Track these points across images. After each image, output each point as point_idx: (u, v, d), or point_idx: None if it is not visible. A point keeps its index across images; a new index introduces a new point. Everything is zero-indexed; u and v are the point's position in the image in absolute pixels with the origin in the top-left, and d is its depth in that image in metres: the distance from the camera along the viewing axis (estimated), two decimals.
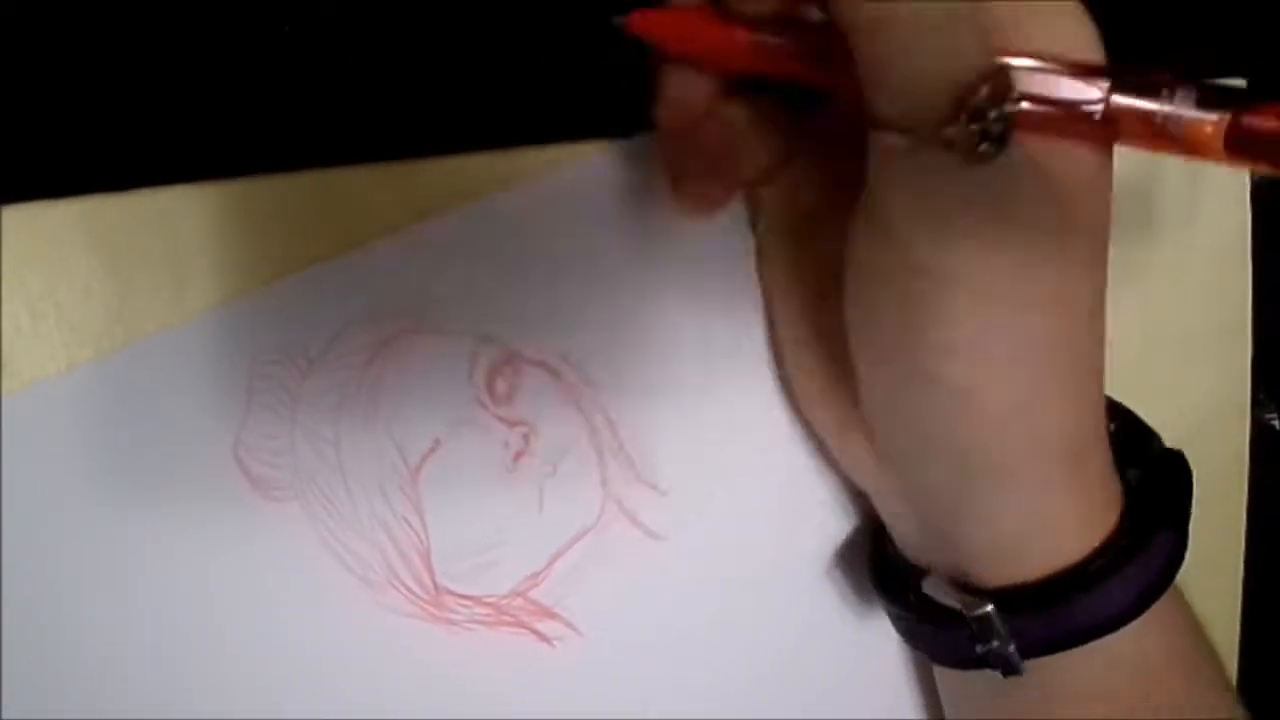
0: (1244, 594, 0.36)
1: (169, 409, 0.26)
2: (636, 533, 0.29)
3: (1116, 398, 0.30)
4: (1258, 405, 0.36)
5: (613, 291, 0.28)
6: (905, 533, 0.28)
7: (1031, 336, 0.23)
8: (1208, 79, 0.21)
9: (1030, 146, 0.21)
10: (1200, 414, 0.35)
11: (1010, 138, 0.20)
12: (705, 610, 0.30)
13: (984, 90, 0.20)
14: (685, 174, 0.27)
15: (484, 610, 0.28)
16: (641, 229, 0.28)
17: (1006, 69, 0.20)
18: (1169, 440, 0.29)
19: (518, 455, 0.28)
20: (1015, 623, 0.25)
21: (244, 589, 0.27)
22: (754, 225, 0.29)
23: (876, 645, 0.31)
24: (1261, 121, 0.20)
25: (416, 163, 0.27)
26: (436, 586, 0.28)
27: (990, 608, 0.25)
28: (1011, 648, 0.25)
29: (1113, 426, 0.27)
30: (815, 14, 0.23)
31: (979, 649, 0.26)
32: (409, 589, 0.28)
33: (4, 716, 0.26)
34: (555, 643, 0.29)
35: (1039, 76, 0.20)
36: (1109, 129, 0.21)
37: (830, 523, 0.31)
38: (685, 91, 0.25)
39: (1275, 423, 0.38)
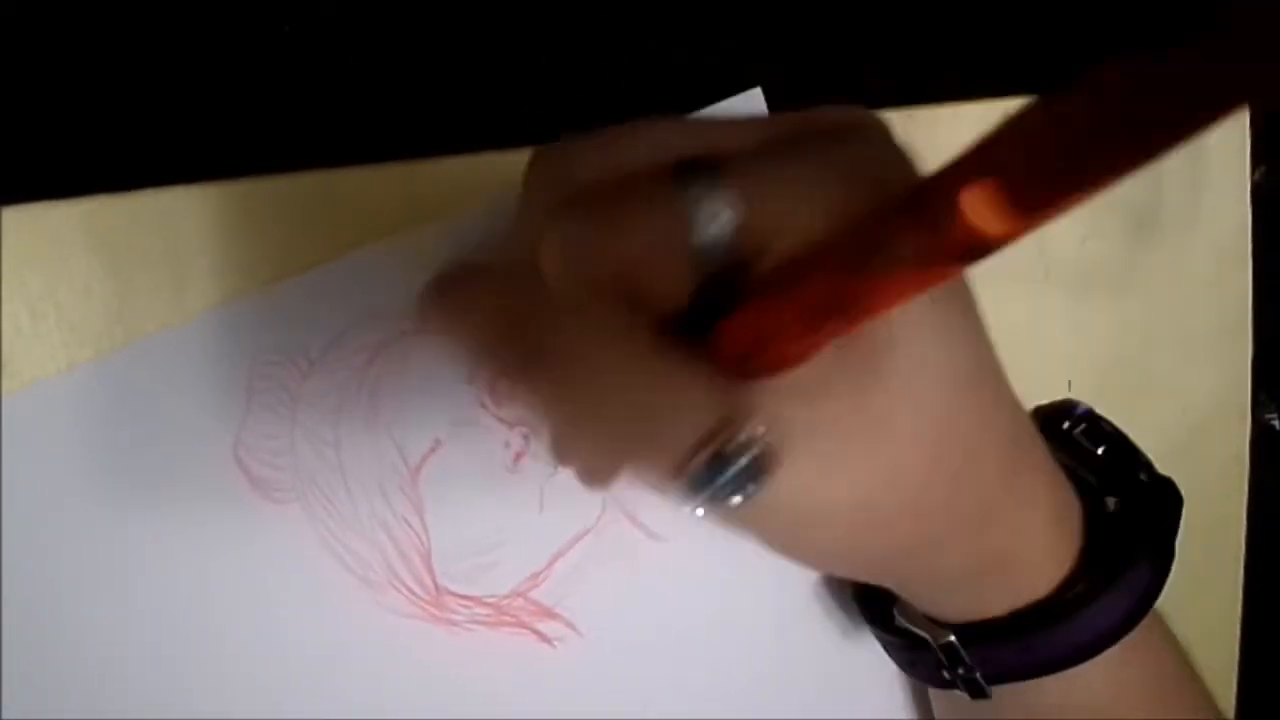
0: (1244, 594, 0.36)
1: (169, 409, 0.26)
2: (637, 533, 0.29)
3: (1117, 398, 0.30)
4: (1258, 405, 0.36)
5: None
6: None
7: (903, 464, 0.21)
8: None
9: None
10: (1200, 414, 0.35)
11: (769, 470, 0.19)
12: (705, 610, 0.30)
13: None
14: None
15: (484, 610, 0.28)
16: None
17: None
18: (1169, 441, 0.29)
19: (518, 456, 0.28)
20: (982, 651, 0.25)
21: (244, 589, 0.27)
22: None
23: (874, 646, 0.31)
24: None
25: (416, 163, 0.27)
26: (437, 587, 0.28)
27: (953, 638, 0.25)
28: (978, 674, 0.25)
29: (1100, 451, 0.27)
30: None
31: (945, 675, 0.26)
32: (409, 589, 0.28)
33: (4, 716, 0.26)
34: (556, 643, 0.29)
35: None
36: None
37: None
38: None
39: (1275, 423, 0.38)
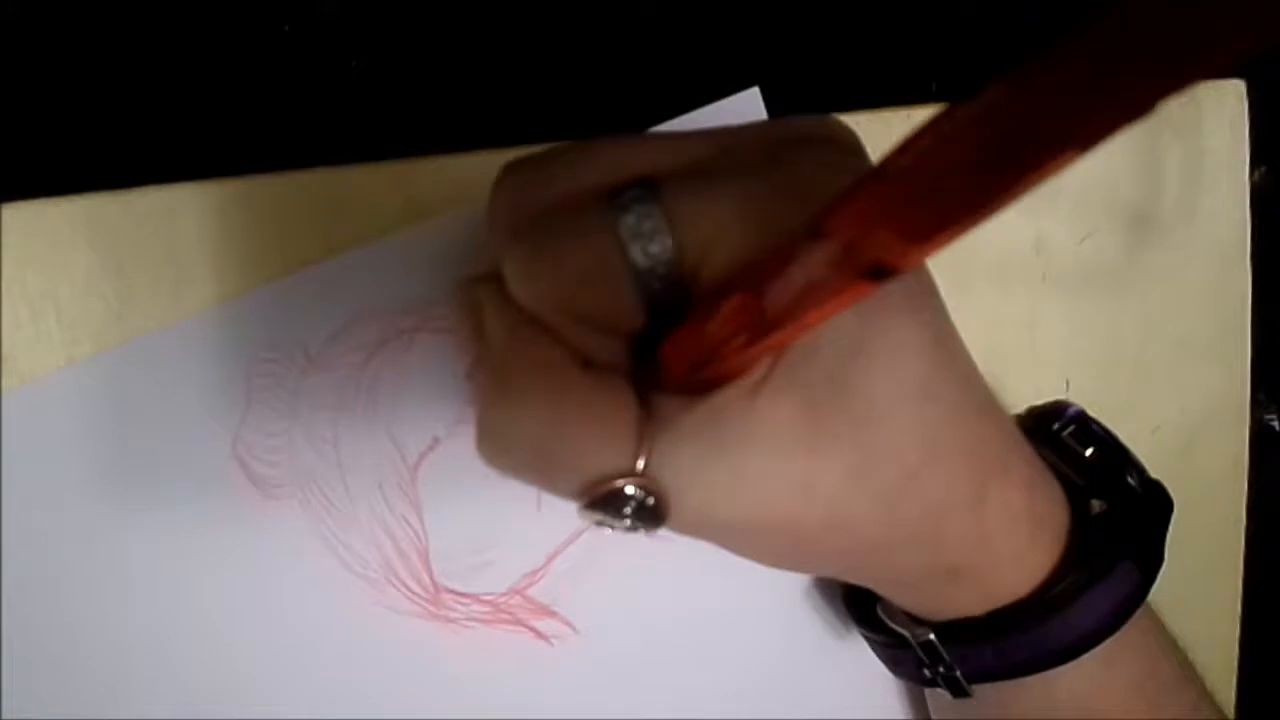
0: (1244, 594, 0.36)
1: (168, 406, 0.26)
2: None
3: (1115, 397, 0.30)
4: (1258, 405, 0.36)
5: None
6: None
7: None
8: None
9: None
10: (1200, 414, 0.35)
11: (663, 515, 0.20)
12: (702, 609, 0.30)
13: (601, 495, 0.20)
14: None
15: (482, 608, 0.28)
16: None
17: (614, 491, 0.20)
18: (1168, 440, 0.28)
19: None
20: (962, 650, 0.25)
21: (243, 586, 0.27)
22: None
23: None
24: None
25: (416, 162, 0.27)
26: (435, 584, 0.28)
27: (932, 636, 0.25)
28: (958, 673, 0.25)
29: (1090, 453, 0.27)
30: None
31: (926, 673, 0.26)
32: (408, 587, 0.28)
33: (4, 716, 0.26)
34: (553, 641, 0.29)
35: None
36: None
37: None
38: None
39: (1275, 423, 0.38)
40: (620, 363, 0.21)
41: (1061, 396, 0.29)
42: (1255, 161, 0.33)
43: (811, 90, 0.30)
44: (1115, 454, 0.27)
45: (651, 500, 0.19)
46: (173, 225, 0.26)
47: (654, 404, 0.20)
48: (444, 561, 0.28)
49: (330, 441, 0.27)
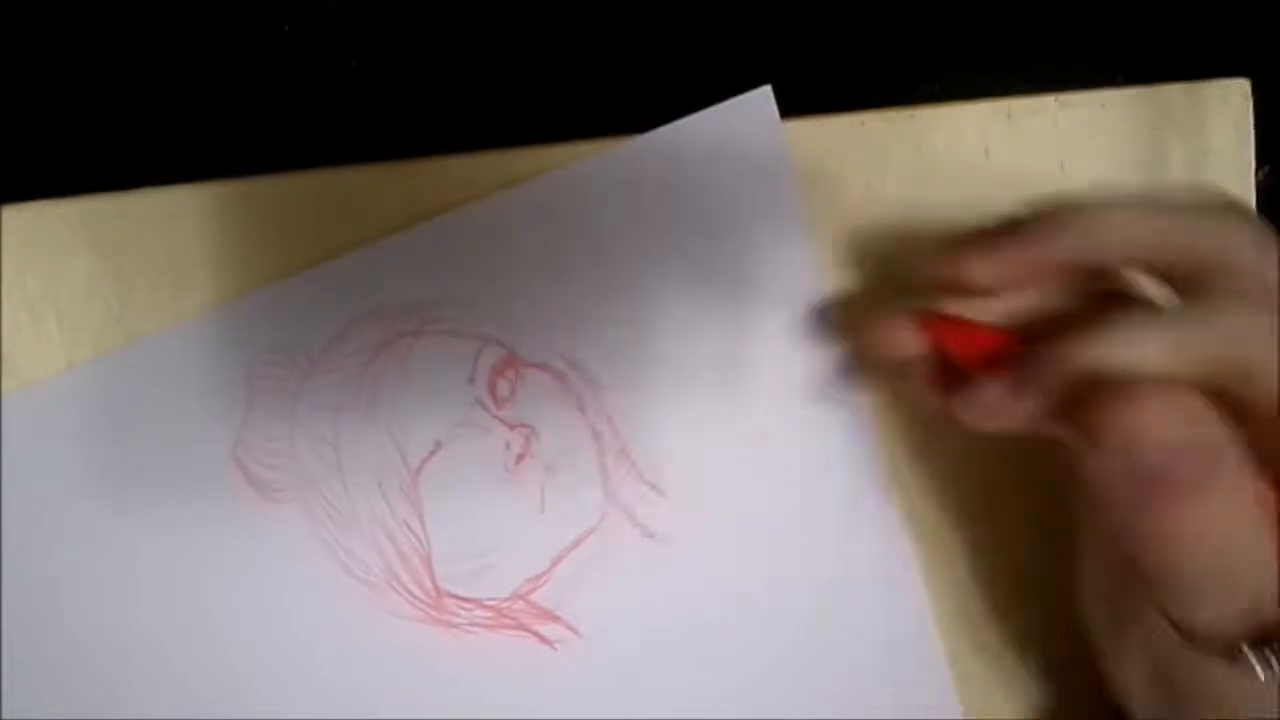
0: None
1: (168, 409, 0.26)
2: (638, 535, 0.29)
3: None
4: None
5: (614, 293, 0.28)
6: None
7: None
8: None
9: None
10: None
11: None
12: (706, 612, 0.30)
13: None
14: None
15: (485, 613, 0.28)
16: (642, 229, 0.28)
17: None
18: None
19: (519, 457, 0.28)
20: None
21: (243, 590, 0.27)
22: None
23: (874, 646, 0.31)
24: None
25: (416, 163, 0.27)
26: (437, 589, 0.28)
27: None
28: None
29: None
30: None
31: None
32: (409, 592, 0.28)
33: (4, 716, 0.26)
34: (556, 645, 0.29)
35: None
36: None
37: (831, 525, 0.31)
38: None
39: None
40: None
41: None
42: (1260, 161, 0.33)
43: (813, 90, 0.30)
44: None
45: None
46: (173, 227, 0.26)
47: None
48: (446, 566, 0.28)
49: (331, 444, 0.27)
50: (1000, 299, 0.25)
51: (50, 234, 0.26)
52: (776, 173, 0.28)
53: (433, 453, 0.27)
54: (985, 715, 0.30)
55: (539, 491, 0.28)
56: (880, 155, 0.30)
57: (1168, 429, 0.20)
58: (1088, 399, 0.21)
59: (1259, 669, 0.20)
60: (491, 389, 0.28)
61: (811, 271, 0.29)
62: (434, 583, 0.28)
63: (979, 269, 0.24)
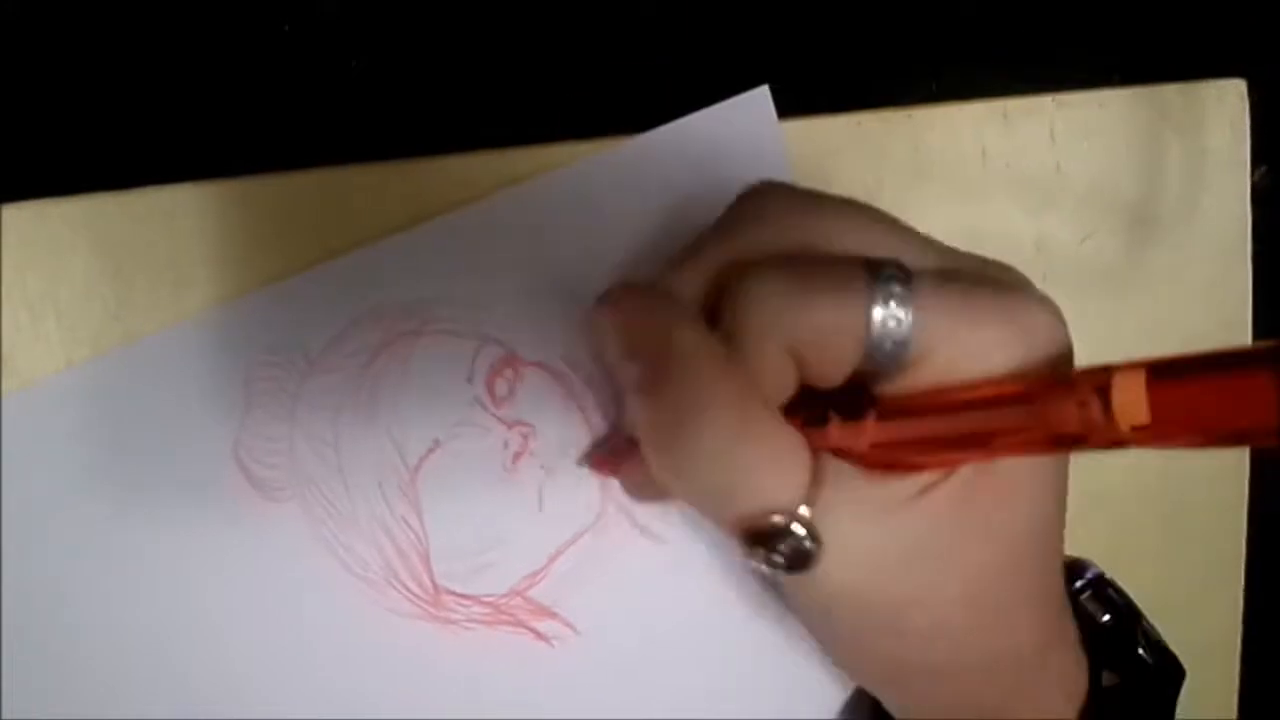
0: (1245, 595, 0.36)
1: (168, 409, 0.26)
2: (635, 533, 0.29)
3: None
4: None
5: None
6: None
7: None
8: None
9: None
10: None
11: (811, 561, 0.21)
12: (703, 610, 0.30)
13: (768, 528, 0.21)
14: None
15: (483, 610, 0.28)
16: (642, 229, 0.28)
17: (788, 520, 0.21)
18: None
19: (517, 456, 0.28)
20: None
21: (243, 589, 0.27)
22: None
23: None
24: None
25: (416, 162, 0.27)
26: (435, 586, 0.28)
27: None
28: None
29: (1106, 619, 0.27)
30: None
31: None
32: (408, 589, 0.28)
33: (4, 717, 0.26)
34: (554, 642, 0.29)
35: None
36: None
37: None
38: None
39: None
40: (787, 410, 0.22)
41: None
42: (1256, 161, 0.33)
43: (811, 90, 0.30)
44: (1129, 620, 0.28)
45: (809, 543, 0.21)
46: (172, 226, 0.26)
47: (820, 457, 0.22)
48: (444, 563, 0.28)
49: (331, 444, 0.27)
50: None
51: (50, 233, 0.26)
52: (774, 172, 0.28)
53: (431, 451, 0.27)
54: None
55: (537, 490, 0.28)
56: (877, 155, 0.30)
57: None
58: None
59: (753, 562, 0.21)
60: (490, 388, 0.28)
61: None
62: (432, 580, 0.28)
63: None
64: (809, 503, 0.21)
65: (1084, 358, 0.33)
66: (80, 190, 0.26)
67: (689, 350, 0.21)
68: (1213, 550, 0.35)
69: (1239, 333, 0.35)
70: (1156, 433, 0.17)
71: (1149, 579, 0.29)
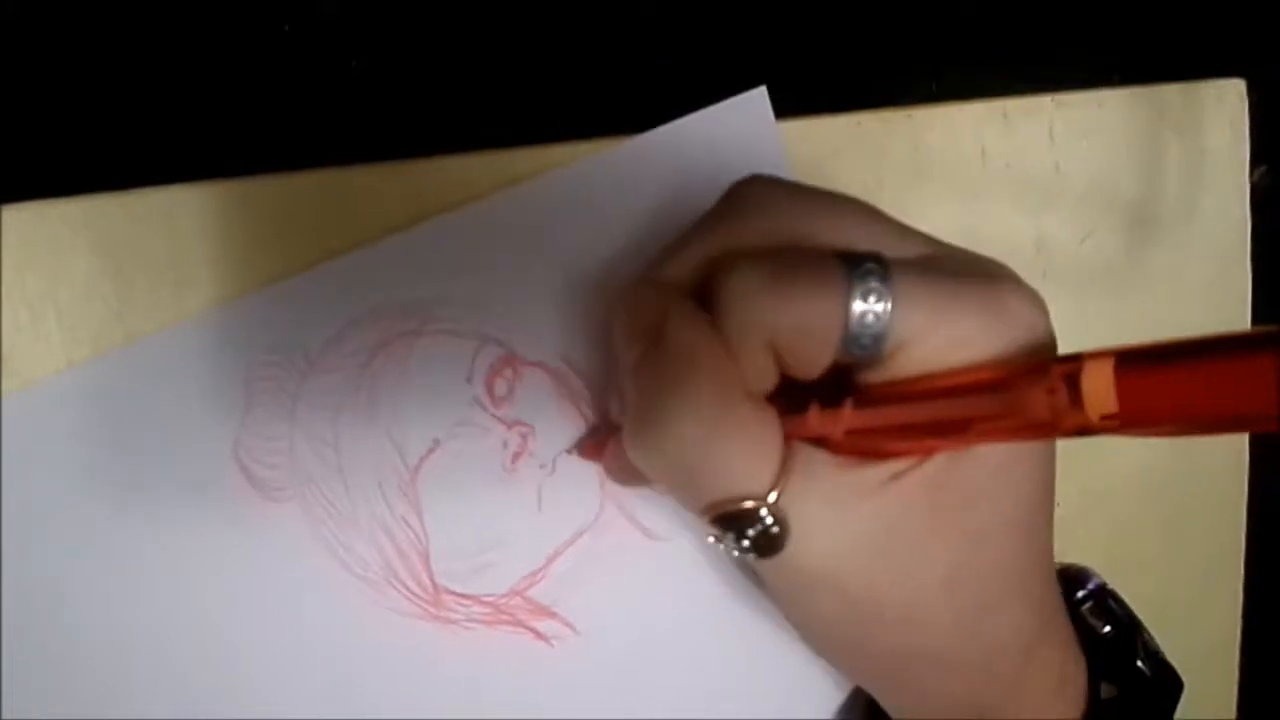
0: (1245, 594, 0.36)
1: (168, 408, 0.26)
2: (635, 532, 0.29)
3: None
4: None
5: (613, 292, 0.28)
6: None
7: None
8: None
9: None
10: None
11: (779, 546, 0.21)
12: (702, 610, 0.30)
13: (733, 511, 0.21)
14: None
15: (482, 609, 0.28)
16: (641, 229, 0.28)
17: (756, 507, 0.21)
18: (1168, 441, 0.28)
19: (516, 456, 0.28)
20: None
21: (243, 588, 0.27)
22: None
23: None
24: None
25: (416, 163, 0.27)
26: (435, 586, 0.28)
27: None
28: None
29: (1106, 630, 0.27)
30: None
31: None
32: (408, 588, 0.28)
33: (4, 717, 0.26)
34: (554, 642, 0.29)
35: None
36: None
37: None
38: None
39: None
40: (770, 399, 0.23)
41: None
42: (1255, 161, 0.33)
43: (811, 90, 0.30)
44: (1129, 632, 0.28)
45: (777, 529, 0.21)
46: (173, 226, 0.26)
47: (793, 445, 0.22)
48: (444, 563, 0.28)
49: (331, 444, 0.27)
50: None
51: (50, 233, 0.26)
52: (773, 171, 0.28)
53: (431, 451, 0.27)
54: None
55: (536, 489, 0.28)
56: (877, 155, 0.30)
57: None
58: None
59: (721, 546, 0.22)
60: (489, 388, 0.28)
61: None
62: (432, 579, 0.28)
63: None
64: (778, 489, 0.21)
65: None
66: (80, 190, 0.26)
67: (677, 335, 0.22)
68: (1212, 550, 0.35)
69: None
70: (1126, 421, 0.17)
71: (1149, 578, 0.29)
